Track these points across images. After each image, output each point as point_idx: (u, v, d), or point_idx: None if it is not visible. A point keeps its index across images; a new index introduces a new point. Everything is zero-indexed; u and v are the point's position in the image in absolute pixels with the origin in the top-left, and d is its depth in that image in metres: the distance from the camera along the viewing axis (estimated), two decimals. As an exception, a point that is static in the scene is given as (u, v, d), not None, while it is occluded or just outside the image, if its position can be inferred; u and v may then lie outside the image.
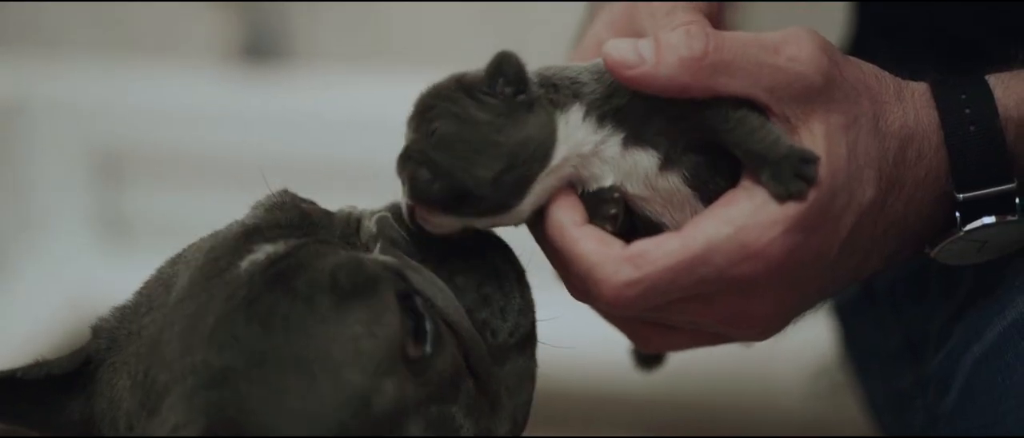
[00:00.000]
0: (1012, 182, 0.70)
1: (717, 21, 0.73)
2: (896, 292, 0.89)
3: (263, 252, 0.67)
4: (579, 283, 0.68)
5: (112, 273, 1.81)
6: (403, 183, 0.69)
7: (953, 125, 0.70)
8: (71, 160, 1.90)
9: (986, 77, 0.71)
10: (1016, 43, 0.76)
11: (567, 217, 0.68)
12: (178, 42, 1.92)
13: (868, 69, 0.70)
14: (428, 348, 0.66)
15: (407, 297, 0.66)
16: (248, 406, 0.62)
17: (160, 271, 0.71)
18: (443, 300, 0.69)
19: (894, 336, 0.91)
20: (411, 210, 0.70)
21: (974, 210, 0.70)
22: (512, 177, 0.67)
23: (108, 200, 1.92)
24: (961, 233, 0.71)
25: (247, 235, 0.69)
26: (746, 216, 0.65)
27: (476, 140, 0.67)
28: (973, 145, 0.69)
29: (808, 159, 0.65)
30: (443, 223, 0.69)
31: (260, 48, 1.89)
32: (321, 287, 0.65)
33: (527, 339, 0.73)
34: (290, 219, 0.72)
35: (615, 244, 0.66)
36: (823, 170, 0.65)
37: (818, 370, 1.48)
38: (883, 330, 0.93)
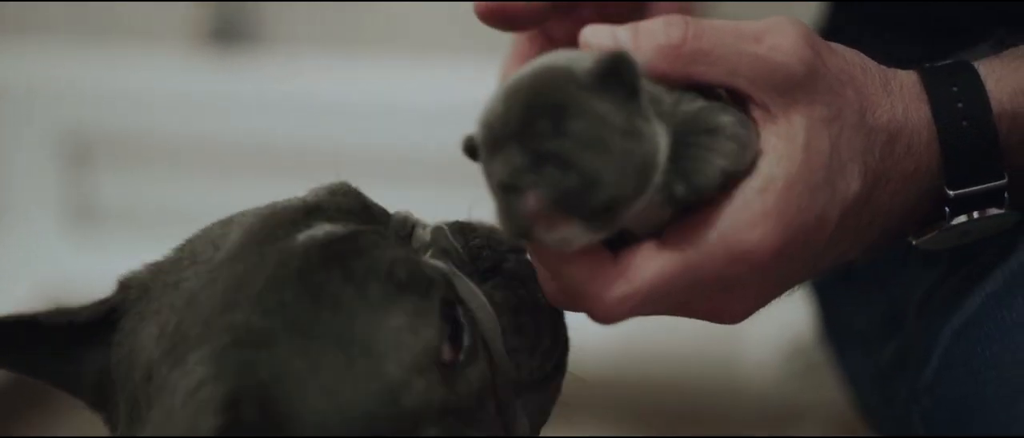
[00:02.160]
0: (1003, 178, 0.69)
1: None
2: (875, 265, 0.89)
3: (322, 230, 0.67)
4: (567, 298, 0.67)
5: (81, 258, 1.81)
6: (527, 186, 0.60)
7: (946, 121, 0.68)
8: (40, 145, 1.89)
9: (976, 66, 0.70)
10: (999, 23, 0.76)
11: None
12: (148, 26, 1.91)
13: (853, 59, 0.68)
14: (462, 357, 0.66)
15: (451, 305, 0.67)
16: (281, 373, 0.62)
17: (207, 230, 0.71)
18: (483, 316, 0.69)
19: (874, 309, 0.90)
20: (532, 218, 0.61)
21: (963, 204, 0.69)
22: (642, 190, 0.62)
23: (78, 185, 1.91)
24: (949, 226, 0.70)
25: (308, 211, 0.69)
26: (729, 218, 0.63)
27: (618, 147, 0.60)
28: (966, 142, 0.68)
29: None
30: (568, 237, 0.62)
31: (230, 32, 1.89)
32: (377, 275, 0.65)
33: (548, 377, 0.73)
34: (351, 206, 0.71)
35: (604, 259, 0.64)
36: (800, 166, 0.64)
37: (793, 350, 1.48)
38: (862, 304, 0.92)
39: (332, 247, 0.66)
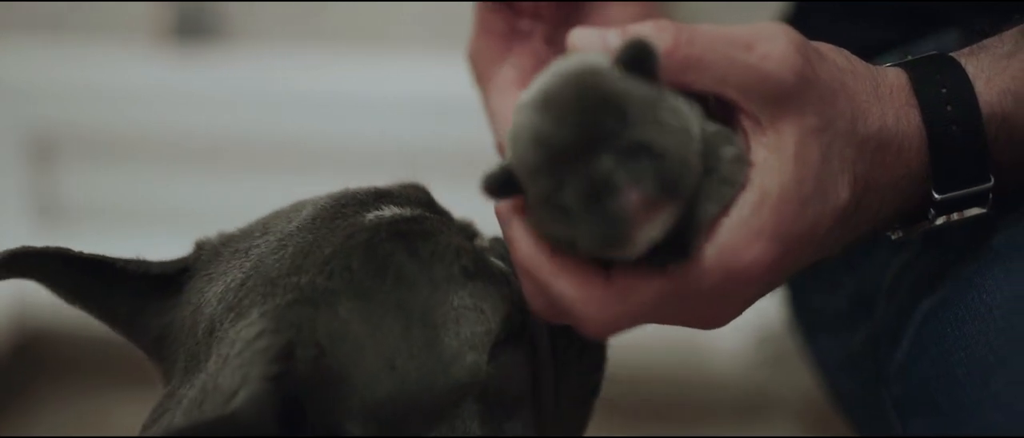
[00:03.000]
0: (990, 181, 0.69)
1: None
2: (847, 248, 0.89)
3: (390, 210, 0.70)
4: (556, 313, 0.65)
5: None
6: (624, 184, 0.58)
7: (937, 127, 0.67)
8: (4, 142, 1.88)
9: (964, 65, 0.69)
10: (966, 8, 0.76)
11: (542, 246, 0.64)
12: (112, 22, 1.90)
13: (844, 65, 0.67)
14: (512, 347, 0.69)
15: (512, 300, 0.69)
16: (339, 332, 0.64)
17: (280, 210, 0.74)
18: (536, 322, 0.71)
19: (843, 293, 0.90)
20: (635, 215, 0.59)
21: (948, 206, 0.69)
22: None
23: (42, 182, 1.90)
24: (932, 224, 0.70)
25: (379, 195, 0.72)
26: (725, 236, 0.62)
27: (675, 124, 0.60)
28: (955, 147, 0.68)
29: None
30: (658, 230, 0.60)
31: (194, 27, 1.88)
32: (441, 258, 0.68)
33: (592, 392, 0.76)
34: (419, 197, 0.74)
35: (596, 279, 0.63)
36: (791, 178, 0.63)
37: (763, 338, 1.48)
38: (831, 289, 0.92)
39: (400, 226, 0.69)
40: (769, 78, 0.63)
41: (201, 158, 1.84)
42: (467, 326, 0.67)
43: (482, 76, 0.83)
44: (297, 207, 0.73)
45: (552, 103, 0.59)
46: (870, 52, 0.85)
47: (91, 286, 0.73)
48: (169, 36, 1.88)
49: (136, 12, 1.89)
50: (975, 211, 0.70)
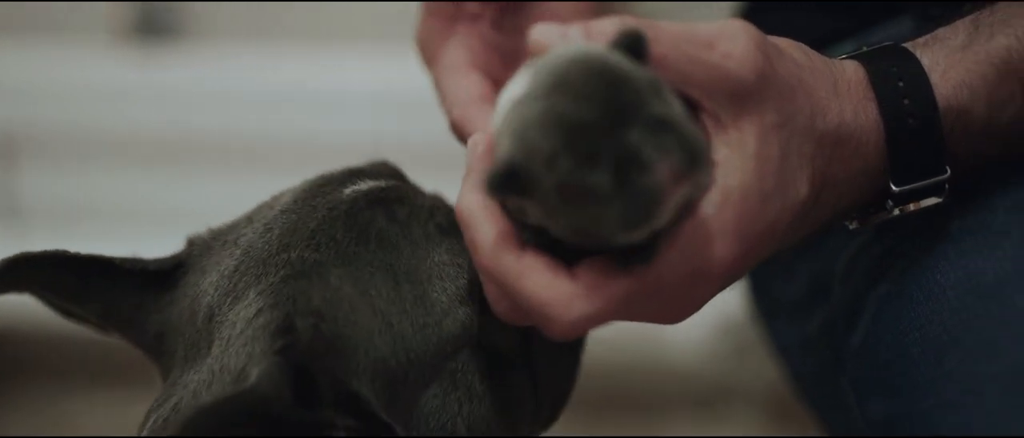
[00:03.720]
0: (946, 173, 0.70)
1: None
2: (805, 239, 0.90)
3: (366, 184, 0.74)
4: (522, 316, 0.65)
5: (6, 255, 1.78)
6: (653, 159, 0.57)
7: (894, 121, 0.68)
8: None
9: (920, 57, 0.70)
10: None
11: (503, 247, 0.64)
12: (71, 22, 1.90)
13: (802, 61, 0.67)
14: None
15: None
16: (334, 298, 0.66)
17: (263, 202, 0.76)
18: None
19: (802, 279, 0.92)
20: (668, 188, 0.58)
21: (905, 197, 0.70)
22: None
23: (2, 182, 1.89)
24: (890, 215, 0.71)
25: (352, 173, 0.76)
26: (690, 235, 0.63)
27: (679, 103, 0.60)
28: (913, 140, 0.68)
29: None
30: (679, 200, 0.60)
31: (154, 26, 1.88)
32: (418, 218, 0.72)
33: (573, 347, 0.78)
34: (391, 171, 0.78)
35: (562, 277, 0.63)
36: (752, 175, 0.64)
37: (726, 329, 1.49)
38: (791, 275, 0.94)
39: (376, 194, 0.72)
40: (731, 77, 0.63)
41: (164, 157, 1.84)
42: (450, 281, 0.70)
43: (431, 58, 0.84)
44: (277, 196, 0.76)
45: (569, 85, 0.58)
46: (826, 41, 0.86)
47: (89, 287, 0.74)
48: (130, 35, 1.88)
49: (97, 11, 1.89)
50: (932, 201, 0.71)
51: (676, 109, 0.59)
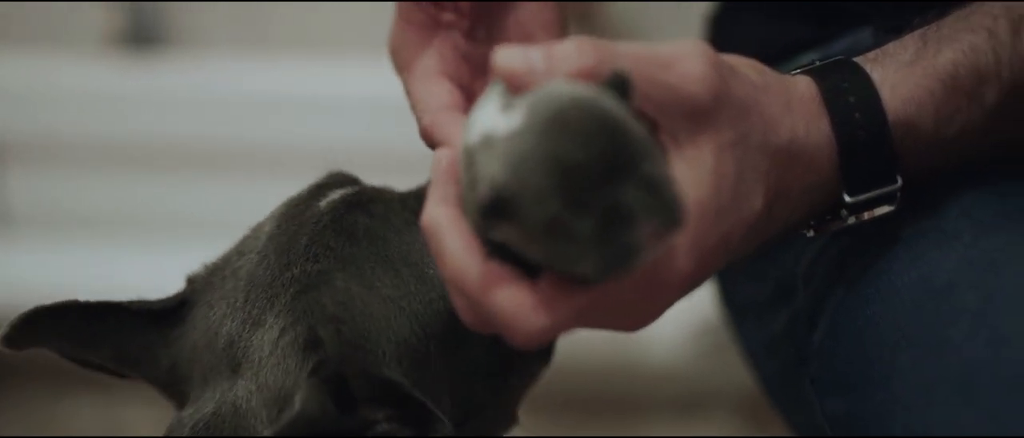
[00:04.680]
0: (897, 183, 0.72)
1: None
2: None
3: (337, 193, 0.78)
4: (485, 325, 0.67)
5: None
6: (644, 216, 0.59)
7: (845, 136, 0.70)
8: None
9: (870, 73, 0.72)
10: (892, 10, 0.79)
11: (469, 259, 0.65)
12: (60, 29, 1.91)
13: (756, 80, 0.69)
14: None
15: None
16: (346, 299, 0.72)
17: (244, 236, 0.80)
18: None
19: (767, 281, 0.94)
20: (649, 246, 0.61)
21: (859, 207, 0.73)
22: None
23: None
24: (844, 224, 0.73)
25: (319, 188, 0.80)
26: None
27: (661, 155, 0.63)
28: (864, 154, 0.71)
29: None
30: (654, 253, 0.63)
31: (142, 34, 1.89)
32: (394, 210, 0.77)
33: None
34: (351, 179, 0.82)
35: (524, 289, 0.64)
36: (708, 191, 0.65)
37: (701, 329, 1.50)
38: (757, 277, 0.96)
39: (350, 199, 0.77)
40: (688, 97, 0.65)
41: (152, 164, 1.85)
42: None
43: (404, 66, 0.85)
44: (258, 225, 0.80)
45: (568, 128, 0.59)
46: (790, 50, 0.89)
47: (100, 333, 0.77)
48: (119, 43, 1.89)
49: (86, 19, 1.89)
50: (884, 210, 0.73)
51: (665, 167, 0.61)
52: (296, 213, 0.77)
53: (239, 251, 0.78)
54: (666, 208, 0.59)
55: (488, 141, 0.63)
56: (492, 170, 0.61)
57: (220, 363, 0.74)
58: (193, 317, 0.77)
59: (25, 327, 0.75)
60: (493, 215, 0.60)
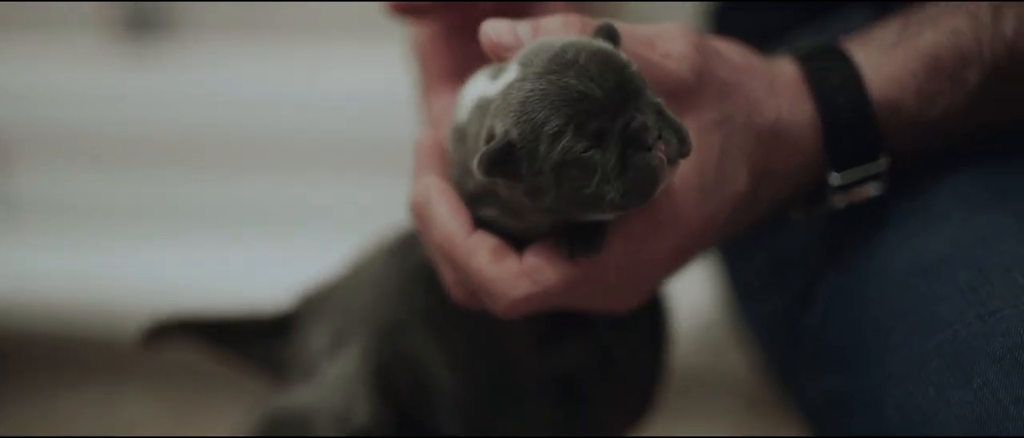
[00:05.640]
0: (882, 164, 0.73)
1: None
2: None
3: None
4: (468, 292, 0.69)
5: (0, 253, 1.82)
6: (656, 141, 0.61)
7: (829, 116, 0.71)
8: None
9: (852, 55, 0.73)
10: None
11: (456, 225, 0.67)
12: (61, 19, 1.91)
13: (740, 63, 0.71)
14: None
15: None
16: (420, 350, 0.77)
17: (363, 251, 0.86)
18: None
19: (764, 262, 0.94)
20: (667, 169, 0.62)
21: (845, 188, 0.73)
22: None
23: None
24: (830, 205, 0.74)
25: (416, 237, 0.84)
26: (631, 226, 0.66)
27: None
28: (848, 134, 0.72)
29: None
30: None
31: (144, 24, 1.89)
32: None
33: None
34: None
35: (509, 257, 0.66)
36: (693, 169, 0.66)
37: (709, 322, 1.50)
38: (753, 259, 0.96)
39: None
40: (670, 75, 0.66)
41: (153, 154, 1.84)
42: (517, 323, 0.73)
43: (426, 64, 0.80)
44: (369, 256, 0.84)
45: (577, 66, 0.60)
46: (784, 30, 0.89)
47: (226, 337, 0.88)
48: (119, 32, 1.89)
49: (86, 9, 1.89)
50: (871, 191, 0.74)
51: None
52: (400, 258, 0.81)
53: (347, 279, 0.84)
54: (677, 129, 0.61)
55: (482, 105, 0.64)
56: (491, 123, 0.62)
57: (306, 373, 0.81)
58: (299, 332, 0.85)
59: (159, 331, 0.87)
60: (499, 164, 0.61)
